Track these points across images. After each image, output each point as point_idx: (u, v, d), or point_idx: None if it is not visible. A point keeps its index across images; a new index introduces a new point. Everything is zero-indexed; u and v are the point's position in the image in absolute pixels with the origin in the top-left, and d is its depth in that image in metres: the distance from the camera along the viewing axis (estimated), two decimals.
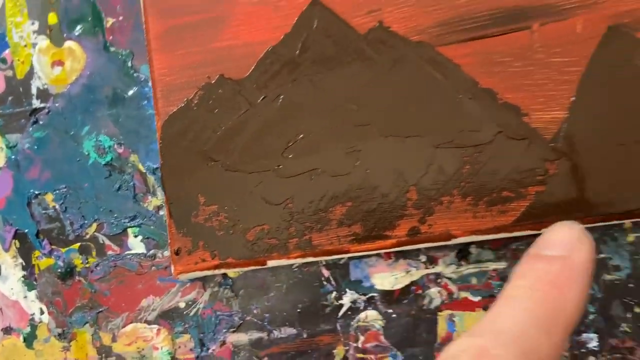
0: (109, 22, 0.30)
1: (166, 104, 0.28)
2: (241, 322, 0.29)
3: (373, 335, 0.28)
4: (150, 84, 0.29)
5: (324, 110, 0.27)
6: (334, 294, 0.29)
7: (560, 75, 0.26)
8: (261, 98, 0.27)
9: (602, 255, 0.27)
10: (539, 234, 0.26)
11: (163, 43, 0.28)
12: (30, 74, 0.31)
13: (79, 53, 0.30)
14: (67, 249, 0.30)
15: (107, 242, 0.30)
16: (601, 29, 0.25)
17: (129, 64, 0.30)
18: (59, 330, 0.30)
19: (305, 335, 0.29)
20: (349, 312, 0.29)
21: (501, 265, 0.28)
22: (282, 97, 0.27)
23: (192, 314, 0.30)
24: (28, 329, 0.31)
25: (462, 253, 0.28)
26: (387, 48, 0.27)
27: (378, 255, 0.28)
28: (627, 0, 0.25)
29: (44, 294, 0.31)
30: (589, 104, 0.26)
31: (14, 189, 0.31)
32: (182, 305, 0.30)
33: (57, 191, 0.30)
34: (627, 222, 0.27)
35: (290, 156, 0.27)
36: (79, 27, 0.30)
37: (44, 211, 0.31)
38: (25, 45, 0.31)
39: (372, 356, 0.28)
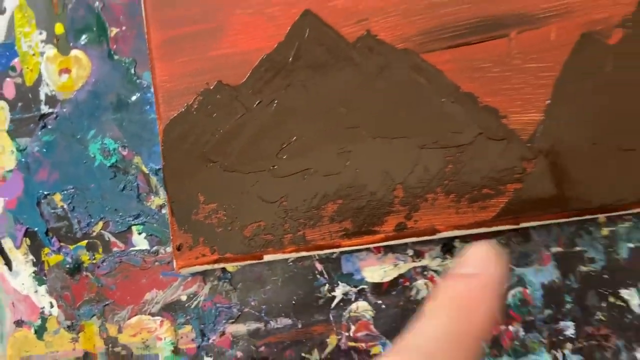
0: (113, 32, 0.30)
1: (167, 109, 0.28)
2: (239, 313, 0.29)
3: (364, 324, 0.29)
4: (152, 90, 0.29)
5: (316, 113, 0.27)
6: (327, 286, 0.29)
7: (536, 79, 0.26)
8: (257, 103, 0.27)
9: (577, 249, 0.28)
10: (519, 228, 0.27)
11: (164, 52, 0.28)
12: (39, 81, 0.31)
13: (84, 61, 0.30)
14: (75, 246, 0.30)
15: (113, 239, 0.30)
16: (574, 36, 0.26)
17: (132, 72, 0.30)
18: (68, 323, 0.30)
19: (300, 326, 0.29)
20: (341, 304, 0.29)
21: None
22: (276, 101, 0.27)
23: (193, 306, 0.30)
24: (39, 322, 0.30)
25: (447, 247, 0.28)
26: (375, 55, 0.27)
27: (368, 249, 0.28)
28: (598, 9, 0.26)
29: (53, 289, 0.30)
30: (564, 107, 0.26)
31: (24, 189, 0.31)
32: (183, 298, 0.30)
33: (65, 191, 0.30)
34: (601, 217, 0.27)
35: (285, 157, 0.27)
36: (84, 36, 0.30)
37: (52, 210, 0.31)
38: (34, 54, 0.31)
39: (363, 344, 0.28)
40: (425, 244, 0.28)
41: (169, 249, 0.30)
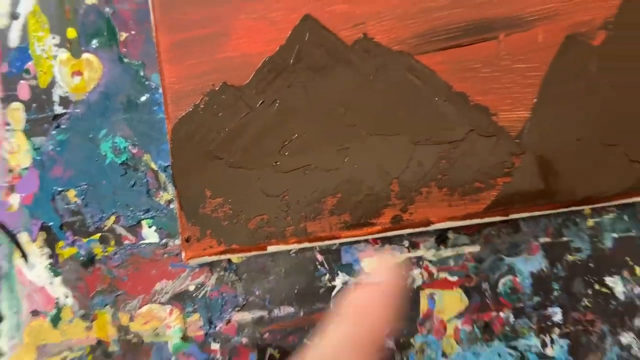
0: (123, 36, 0.31)
1: (176, 109, 0.28)
2: (245, 302, 0.30)
3: None
4: (160, 91, 0.30)
5: (316, 112, 0.28)
6: (327, 276, 0.29)
7: (524, 79, 0.27)
8: (260, 102, 0.28)
9: (564, 239, 0.28)
10: (508, 220, 0.28)
11: (172, 55, 0.28)
12: (52, 83, 0.31)
13: (96, 64, 0.31)
14: (88, 239, 0.31)
15: (124, 232, 0.30)
16: (560, 38, 0.27)
17: (141, 74, 0.30)
18: (82, 312, 0.30)
19: (302, 314, 0.29)
20: (341, 292, 0.29)
21: (475, 248, 0.29)
22: (278, 101, 0.28)
23: (200, 295, 0.30)
24: (54, 312, 0.30)
25: (441, 238, 0.29)
26: (371, 57, 0.27)
27: (366, 241, 0.29)
28: (583, 12, 0.27)
29: (67, 280, 0.30)
30: (550, 105, 0.27)
31: (39, 186, 0.31)
32: (192, 288, 0.30)
33: (78, 188, 0.31)
34: (587, 209, 0.28)
35: (287, 154, 0.28)
36: (95, 40, 0.31)
37: (66, 206, 0.31)
38: (47, 58, 0.31)
39: None
40: (421, 236, 0.29)
41: (178, 242, 0.30)
